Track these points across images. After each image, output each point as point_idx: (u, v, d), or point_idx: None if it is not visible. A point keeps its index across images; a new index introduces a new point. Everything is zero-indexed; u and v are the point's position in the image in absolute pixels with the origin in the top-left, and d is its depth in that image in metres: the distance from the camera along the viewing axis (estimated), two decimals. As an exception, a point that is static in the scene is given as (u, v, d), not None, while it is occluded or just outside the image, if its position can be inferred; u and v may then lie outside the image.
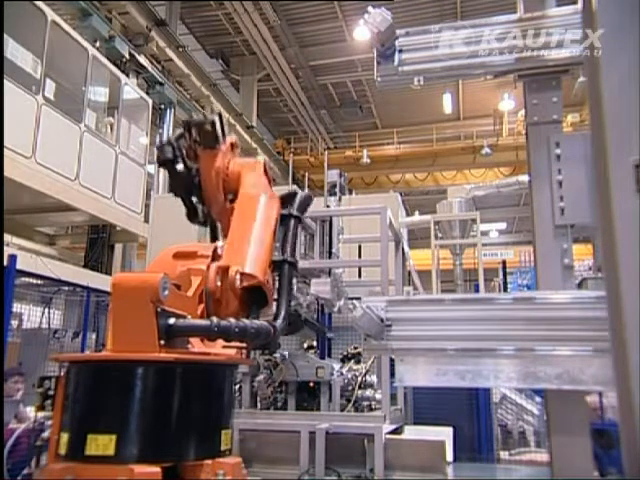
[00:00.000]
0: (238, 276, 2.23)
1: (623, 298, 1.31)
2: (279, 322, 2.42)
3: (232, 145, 2.80)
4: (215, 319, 2.01)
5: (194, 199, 2.81)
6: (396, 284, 6.02)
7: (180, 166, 2.65)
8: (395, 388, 5.33)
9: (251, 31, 16.00)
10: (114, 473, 1.69)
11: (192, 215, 2.85)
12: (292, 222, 2.87)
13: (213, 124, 2.60)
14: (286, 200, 2.95)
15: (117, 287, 1.87)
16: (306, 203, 3.08)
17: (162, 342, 1.85)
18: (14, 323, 6.83)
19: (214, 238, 2.90)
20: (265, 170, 2.87)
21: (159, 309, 1.84)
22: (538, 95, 3.50)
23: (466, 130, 20.88)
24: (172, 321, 1.89)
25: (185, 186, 2.73)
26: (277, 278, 2.64)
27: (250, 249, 2.39)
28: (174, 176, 2.69)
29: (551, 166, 3.31)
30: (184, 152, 2.68)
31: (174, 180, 2.71)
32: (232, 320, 2.05)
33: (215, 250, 2.47)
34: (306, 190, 7.12)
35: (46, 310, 7.16)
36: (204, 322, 2.02)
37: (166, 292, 1.86)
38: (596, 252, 7.65)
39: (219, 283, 2.22)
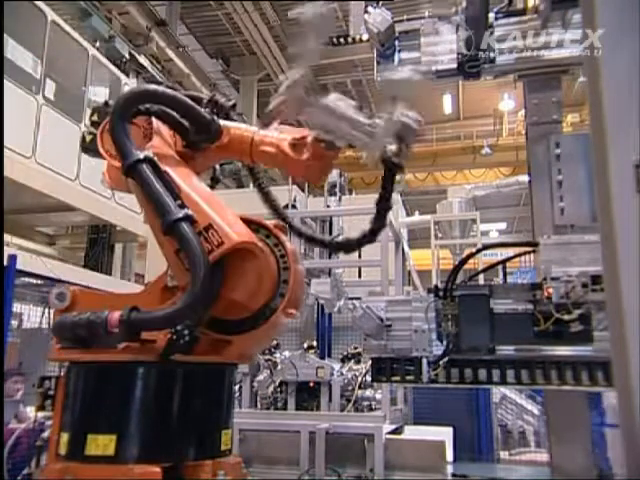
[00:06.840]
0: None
1: (623, 298, 1.31)
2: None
3: None
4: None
5: None
6: (396, 284, 6.03)
7: None
8: (395, 388, 5.33)
9: (251, 31, 15.98)
10: (114, 473, 1.69)
11: None
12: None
13: None
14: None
15: None
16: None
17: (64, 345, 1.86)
18: (14, 323, 6.83)
19: None
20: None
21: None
22: (538, 95, 3.50)
23: (466, 130, 20.85)
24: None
25: None
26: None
27: None
28: None
29: (551, 166, 3.31)
30: None
31: None
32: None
33: None
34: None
35: (46, 310, 7.14)
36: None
37: (57, 301, 1.95)
38: (596, 252, 7.63)
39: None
